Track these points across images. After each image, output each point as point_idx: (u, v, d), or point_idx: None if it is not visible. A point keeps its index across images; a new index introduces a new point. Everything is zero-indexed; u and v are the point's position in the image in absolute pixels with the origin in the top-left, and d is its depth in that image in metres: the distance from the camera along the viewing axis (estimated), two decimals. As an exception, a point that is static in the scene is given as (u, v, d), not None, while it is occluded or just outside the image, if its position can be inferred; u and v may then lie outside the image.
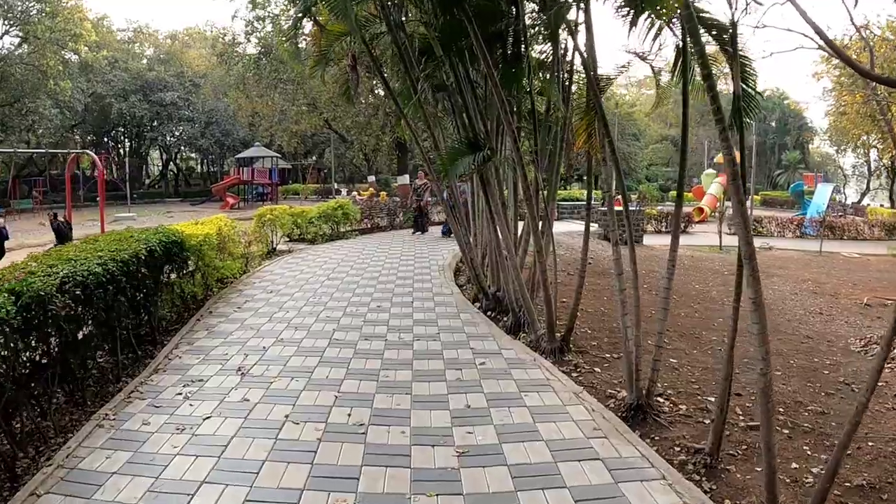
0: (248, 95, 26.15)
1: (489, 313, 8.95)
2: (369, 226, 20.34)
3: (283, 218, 15.29)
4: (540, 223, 7.65)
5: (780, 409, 6.23)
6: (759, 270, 3.81)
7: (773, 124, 58.25)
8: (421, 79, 7.85)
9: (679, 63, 5.78)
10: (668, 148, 63.22)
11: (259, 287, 10.72)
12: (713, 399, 6.25)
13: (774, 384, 7.29)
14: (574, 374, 6.63)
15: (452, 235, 14.20)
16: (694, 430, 5.44)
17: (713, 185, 34.61)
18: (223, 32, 27.18)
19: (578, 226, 24.68)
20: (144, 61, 43.42)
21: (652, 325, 7.24)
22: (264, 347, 7.20)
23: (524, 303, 7.55)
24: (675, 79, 6.07)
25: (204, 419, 5.23)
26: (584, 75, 6.50)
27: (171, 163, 51.38)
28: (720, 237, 21.99)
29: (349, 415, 5.23)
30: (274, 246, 15.09)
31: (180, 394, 5.84)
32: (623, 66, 5.80)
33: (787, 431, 5.71)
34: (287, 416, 5.20)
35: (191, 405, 5.55)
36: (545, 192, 8.17)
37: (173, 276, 9.00)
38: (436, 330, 7.92)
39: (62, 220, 16.94)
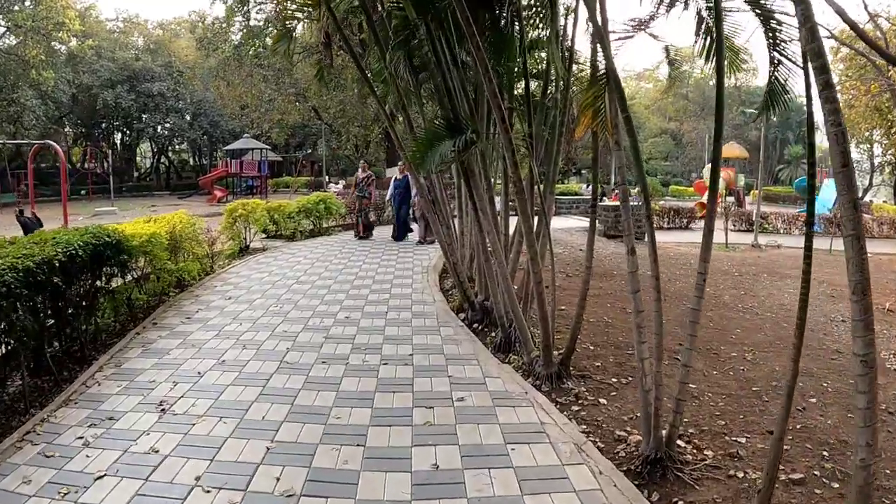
0: (229, 83, 24.82)
1: (475, 326, 7.75)
2: (355, 221, 19.08)
3: (257, 213, 14.05)
4: (535, 222, 6.45)
5: (824, 453, 5.03)
6: (872, 313, 2.57)
7: (775, 118, 57.00)
8: (392, 49, 6.59)
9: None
10: (667, 142, 61.98)
11: (219, 292, 9.51)
12: (744, 440, 5.13)
13: (811, 415, 6.15)
14: (575, 409, 5.42)
15: (432, 241, 13.65)
16: (726, 488, 4.25)
17: (716, 179, 33.64)
18: (202, 17, 25.88)
19: (577, 222, 23.59)
20: (132, 51, 41.89)
21: (665, 342, 6.25)
22: (199, 373, 5.97)
23: (515, 318, 6.34)
24: (700, 53, 4.80)
25: (95, 479, 4.02)
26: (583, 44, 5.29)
27: (163, 155, 50.08)
28: (726, 234, 20.87)
29: (278, 479, 3.98)
30: (247, 243, 13.86)
31: (81, 437, 4.65)
32: (642, 22, 4.54)
33: (836, 486, 4.49)
34: (198, 480, 3.96)
35: (87, 456, 4.35)
36: (541, 186, 6.96)
37: (117, 281, 7.87)
38: (409, 350, 6.68)
39: (29, 216, 15.83)
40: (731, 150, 34.42)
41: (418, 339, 7.02)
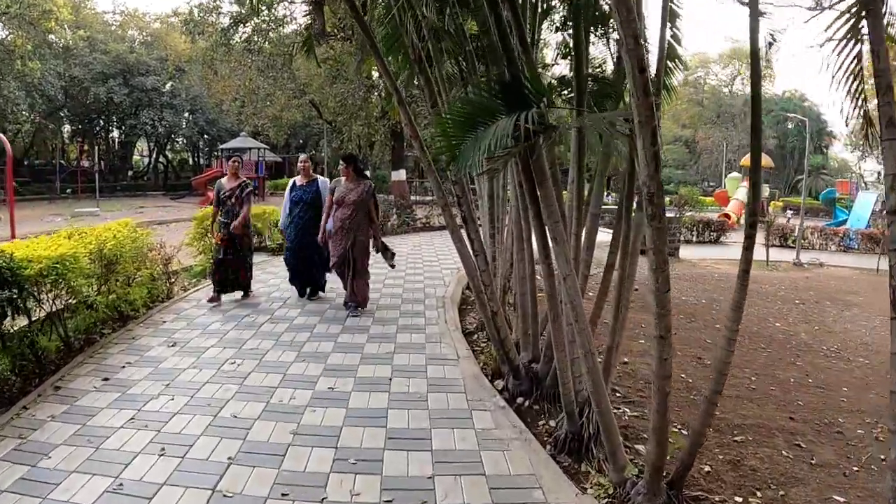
0: (217, 72, 22.38)
1: (521, 402, 5.27)
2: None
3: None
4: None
5: None
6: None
7: (791, 126, 54.32)
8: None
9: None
10: (680, 149, 59.36)
11: (165, 331, 7.05)
12: None
13: None
14: None
15: (359, 307, 8.11)
16: None
17: (739, 189, 31.57)
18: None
19: (603, 234, 20.92)
20: (126, 44, 39.44)
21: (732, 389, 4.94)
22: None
23: (601, 414, 3.86)
24: None
25: None
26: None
27: (161, 154, 47.75)
28: (767, 251, 18.62)
29: None
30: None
31: None
32: None
33: None
34: None
35: None
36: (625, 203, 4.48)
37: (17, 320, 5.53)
38: (428, 466, 4.03)
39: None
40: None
41: (441, 440, 4.39)
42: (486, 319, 5.41)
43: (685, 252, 19.43)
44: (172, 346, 6.52)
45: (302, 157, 8.97)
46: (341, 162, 8.11)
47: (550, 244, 3.75)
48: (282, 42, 20.01)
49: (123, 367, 5.89)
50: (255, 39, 19.79)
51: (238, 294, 8.83)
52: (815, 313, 11.53)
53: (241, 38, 20.05)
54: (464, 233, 5.42)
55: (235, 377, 5.63)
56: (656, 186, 2.88)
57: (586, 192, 4.54)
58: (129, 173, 47.53)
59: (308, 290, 8.88)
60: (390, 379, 5.59)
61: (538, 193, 3.71)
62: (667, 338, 3.16)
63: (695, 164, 59.05)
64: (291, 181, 8.85)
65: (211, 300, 8.47)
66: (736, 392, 6.31)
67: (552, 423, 4.85)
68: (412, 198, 23.08)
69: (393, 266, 8.75)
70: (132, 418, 4.72)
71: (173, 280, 9.10)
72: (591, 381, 3.79)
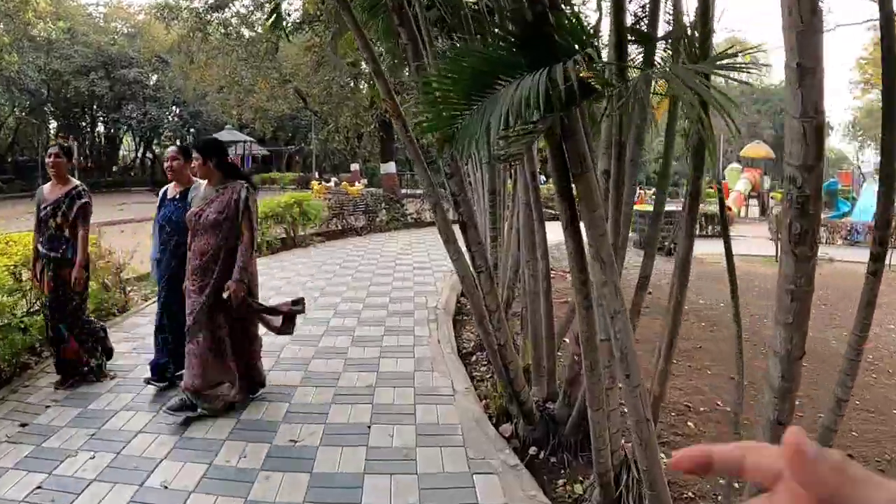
0: (192, 60, 21.07)
1: (533, 451, 4.16)
2: (340, 227, 15.46)
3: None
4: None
5: None
6: None
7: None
8: None
9: None
10: (678, 142, 58.26)
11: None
12: None
13: None
14: None
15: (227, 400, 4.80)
16: None
17: (740, 180, 30.50)
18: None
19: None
20: (108, 36, 37.91)
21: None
22: None
23: (655, 494, 2.74)
24: None
25: None
26: None
27: (147, 148, 46.30)
28: (777, 246, 17.39)
29: None
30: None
31: None
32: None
33: None
34: None
35: None
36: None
37: None
38: None
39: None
40: (757, 149, 31.66)
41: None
42: (490, 353, 4.29)
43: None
44: (113, 378, 5.36)
45: (170, 150, 5.48)
46: (194, 152, 4.89)
47: (591, 268, 2.59)
48: (263, 28, 18.83)
49: (48, 406, 4.75)
50: (235, 24, 18.55)
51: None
52: (839, 316, 10.45)
53: (218, 23, 18.80)
54: (461, 243, 4.22)
55: (167, 435, 4.47)
56: (814, 185, 1.70)
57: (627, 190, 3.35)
58: (114, 168, 46.03)
59: (171, 368, 5.21)
60: (369, 427, 4.43)
61: (574, 191, 2.55)
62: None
63: (689, 155, 57.97)
64: (162, 191, 5.44)
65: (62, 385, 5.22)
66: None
67: (577, 487, 3.73)
68: (402, 191, 21.90)
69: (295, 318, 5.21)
70: (39, 487, 3.58)
71: (129, 290, 7.92)
72: (644, 456, 2.67)
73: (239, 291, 4.53)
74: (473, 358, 6.25)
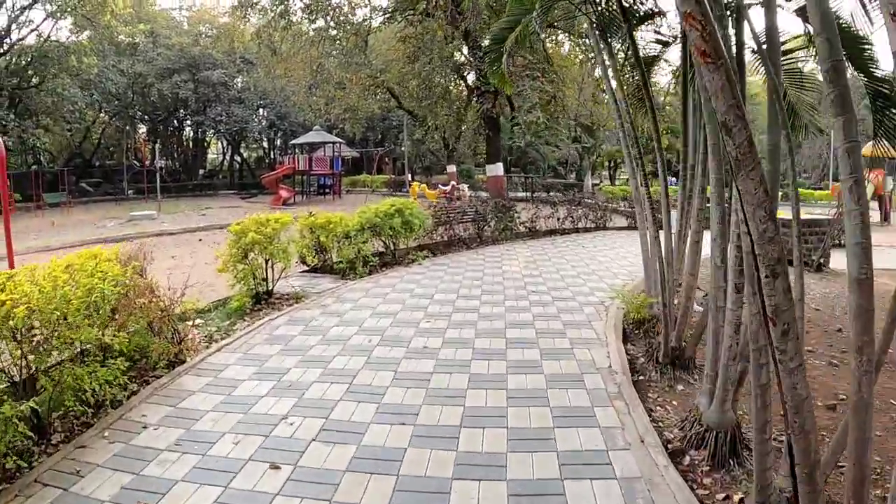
0: (275, 51, 19.35)
1: None
2: (446, 238, 13.11)
3: (292, 237, 8.37)
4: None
5: None
6: None
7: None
8: None
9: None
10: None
11: (135, 453, 3.78)
12: None
13: None
14: None
15: None
16: None
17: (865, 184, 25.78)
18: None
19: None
20: (190, 37, 37.35)
21: None
22: None
23: None
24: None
25: None
26: None
27: (235, 151, 45.96)
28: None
29: None
30: (269, 287, 8.19)
31: None
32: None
33: None
34: None
35: None
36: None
37: None
38: None
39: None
40: (878, 147, 26.42)
41: None
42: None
43: (836, 262, 12.67)
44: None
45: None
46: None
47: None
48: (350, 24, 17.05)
49: None
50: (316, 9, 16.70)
51: None
52: None
53: (300, 8, 17.01)
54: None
55: None
56: None
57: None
58: (201, 172, 45.82)
59: None
60: None
61: None
62: None
63: (798, 151, 52.45)
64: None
65: None
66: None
67: None
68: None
69: None
70: None
71: (183, 336, 5.83)
72: None
73: None
74: (651, 390, 3.75)
